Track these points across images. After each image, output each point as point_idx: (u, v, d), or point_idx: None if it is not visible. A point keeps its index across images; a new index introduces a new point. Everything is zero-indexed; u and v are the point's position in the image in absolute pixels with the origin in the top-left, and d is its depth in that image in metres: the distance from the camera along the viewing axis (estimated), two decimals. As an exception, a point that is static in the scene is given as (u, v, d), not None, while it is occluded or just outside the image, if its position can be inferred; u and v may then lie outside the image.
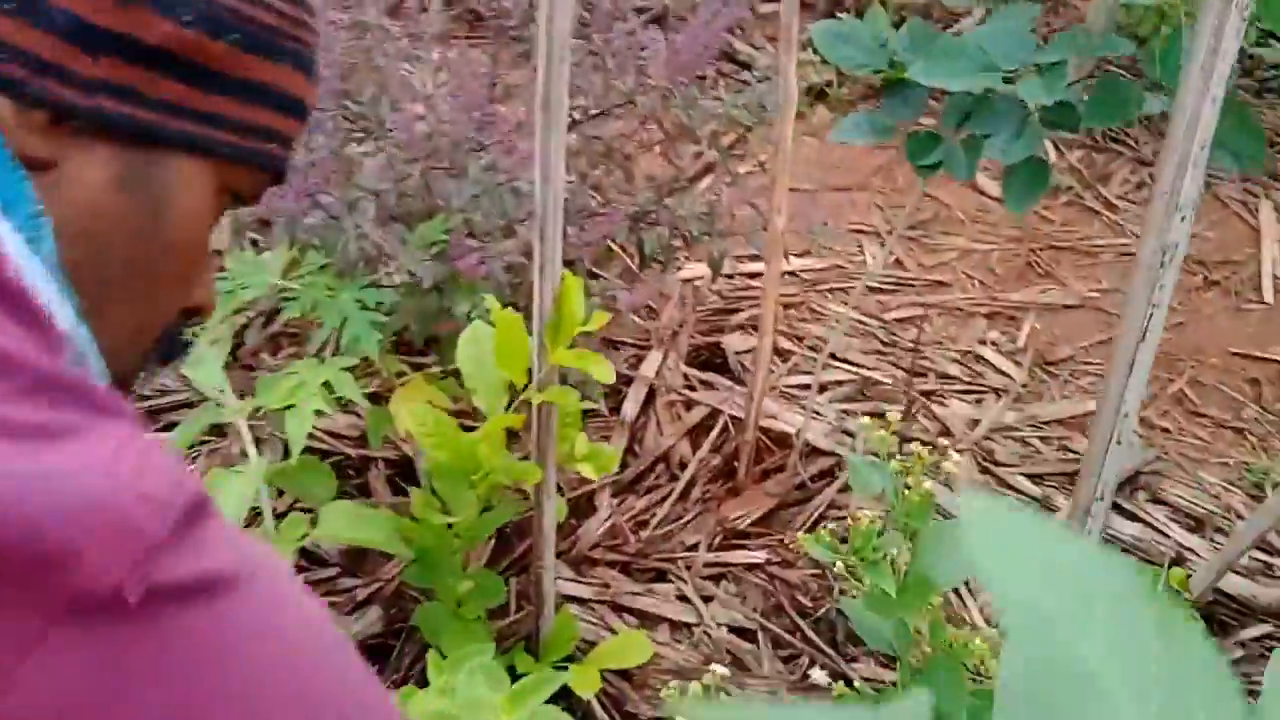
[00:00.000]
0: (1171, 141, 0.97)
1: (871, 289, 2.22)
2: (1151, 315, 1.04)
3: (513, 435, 1.36)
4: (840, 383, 1.92)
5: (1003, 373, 2.04)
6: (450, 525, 1.24)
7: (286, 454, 1.34)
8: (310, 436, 1.34)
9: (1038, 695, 0.31)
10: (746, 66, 2.67)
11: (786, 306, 2.09)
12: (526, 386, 1.20)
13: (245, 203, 0.55)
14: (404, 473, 1.62)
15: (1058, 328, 2.21)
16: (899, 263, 2.33)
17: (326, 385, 1.27)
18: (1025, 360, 2.08)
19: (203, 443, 1.58)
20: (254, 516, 1.28)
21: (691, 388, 1.83)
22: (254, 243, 1.50)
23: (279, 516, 1.30)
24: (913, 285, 2.28)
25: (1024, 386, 2.02)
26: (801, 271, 2.23)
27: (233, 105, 0.50)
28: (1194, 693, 0.30)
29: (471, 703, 0.91)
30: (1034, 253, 2.41)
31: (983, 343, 2.13)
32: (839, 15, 2.87)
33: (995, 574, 0.32)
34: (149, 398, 1.66)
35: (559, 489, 1.34)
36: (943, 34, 1.31)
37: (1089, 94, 1.18)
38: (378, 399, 1.48)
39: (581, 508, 1.63)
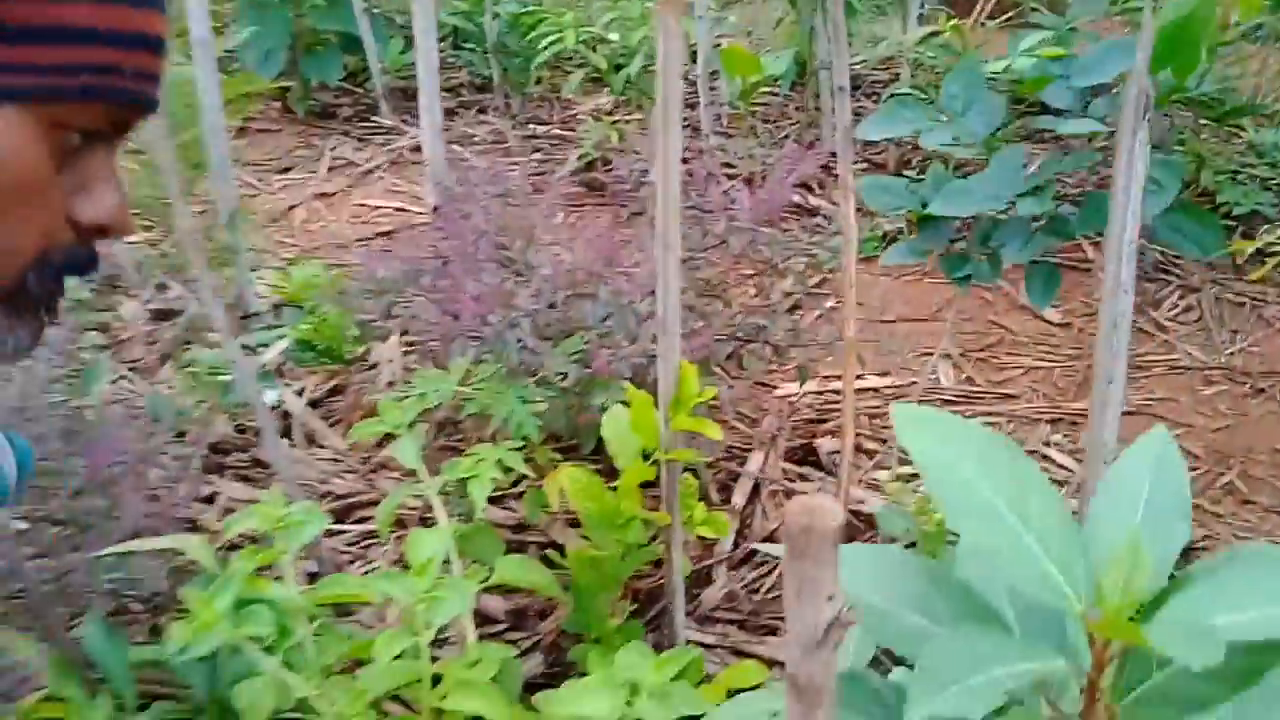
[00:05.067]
0: (1110, 240, 1.30)
1: (945, 401, 2.51)
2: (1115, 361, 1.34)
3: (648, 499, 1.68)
4: (917, 475, 2.20)
5: (1064, 467, 2.28)
6: (599, 563, 1.55)
7: (467, 522, 1.69)
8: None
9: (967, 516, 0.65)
10: (817, 214, 3.09)
11: (871, 416, 2.40)
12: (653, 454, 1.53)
13: (105, 135, 0.57)
14: (555, 548, 1.94)
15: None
16: (969, 379, 2.63)
17: (499, 462, 1.62)
18: (1085, 457, 2.32)
19: (406, 510, 1.95)
20: (444, 566, 1.61)
21: (790, 480, 2.13)
22: (433, 359, 1.90)
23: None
24: (983, 398, 2.56)
25: (1083, 481, 2.26)
26: (883, 388, 2.54)
27: (30, 51, 0.50)
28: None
29: (628, 665, 1.21)
30: (1091, 369, 2.67)
31: (1046, 444, 2.38)
32: (905, 173, 3.30)
33: (922, 450, 0.67)
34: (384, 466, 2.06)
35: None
36: (955, 178, 1.69)
37: (1080, 207, 1.52)
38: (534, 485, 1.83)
39: (701, 579, 1.92)
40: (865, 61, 4.19)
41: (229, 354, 1.84)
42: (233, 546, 1.83)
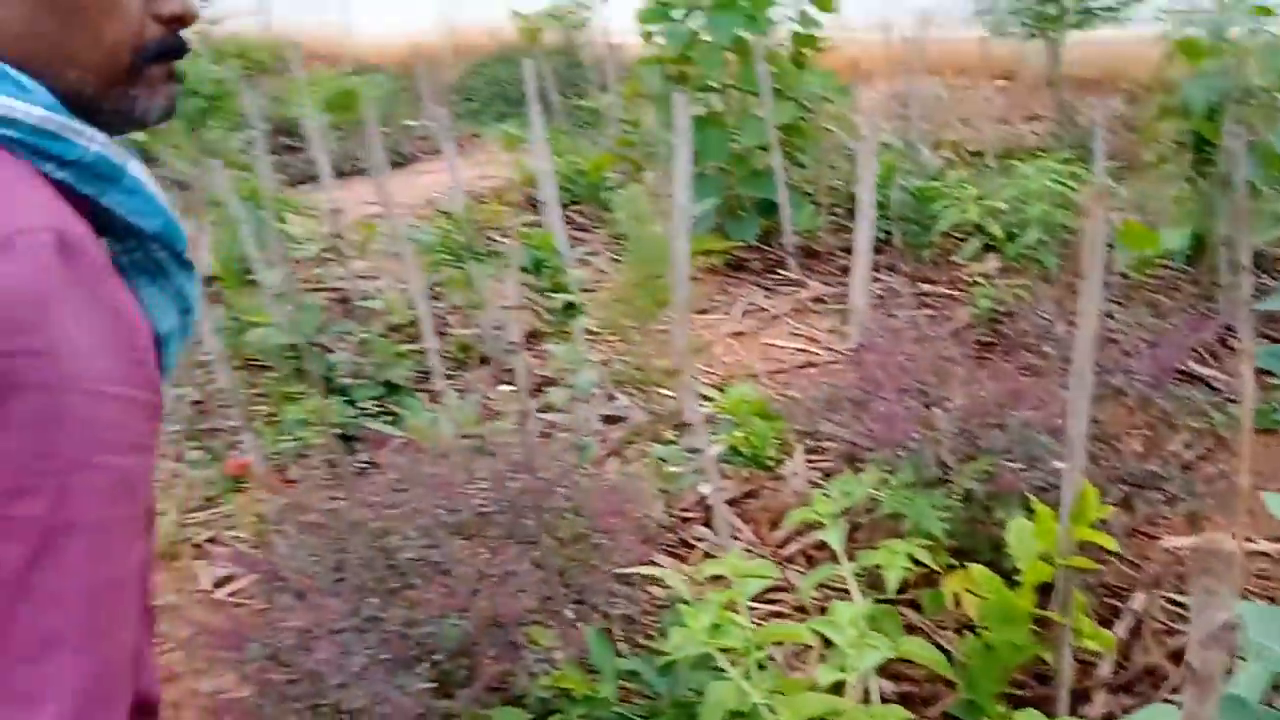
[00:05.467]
0: None
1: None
2: None
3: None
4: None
5: None
6: (993, 652, 1.82)
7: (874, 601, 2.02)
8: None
9: None
10: (1207, 383, 3.17)
11: (1259, 577, 2.44)
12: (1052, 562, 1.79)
13: None
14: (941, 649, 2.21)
15: None
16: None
17: (910, 554, 1.96)
18: None
19: (816, 595, 2.31)
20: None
21: (1173, 620, 2.25)
22: (855, 465, 2.28)
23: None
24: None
25: None
26: (1276, 554, 2.57)
27: None
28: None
29: None
30: None
31: None
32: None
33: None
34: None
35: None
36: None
37: None
38: (932, 583, 2.13)
39: (1079, 697, 2.09)
40: (1267, 240, 4.18)
41: (674, 451, 2.35)
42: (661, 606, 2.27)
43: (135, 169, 0.75)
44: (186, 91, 4.47)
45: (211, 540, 3.12)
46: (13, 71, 0.69)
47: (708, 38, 4.59)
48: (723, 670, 1.75)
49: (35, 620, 0.63)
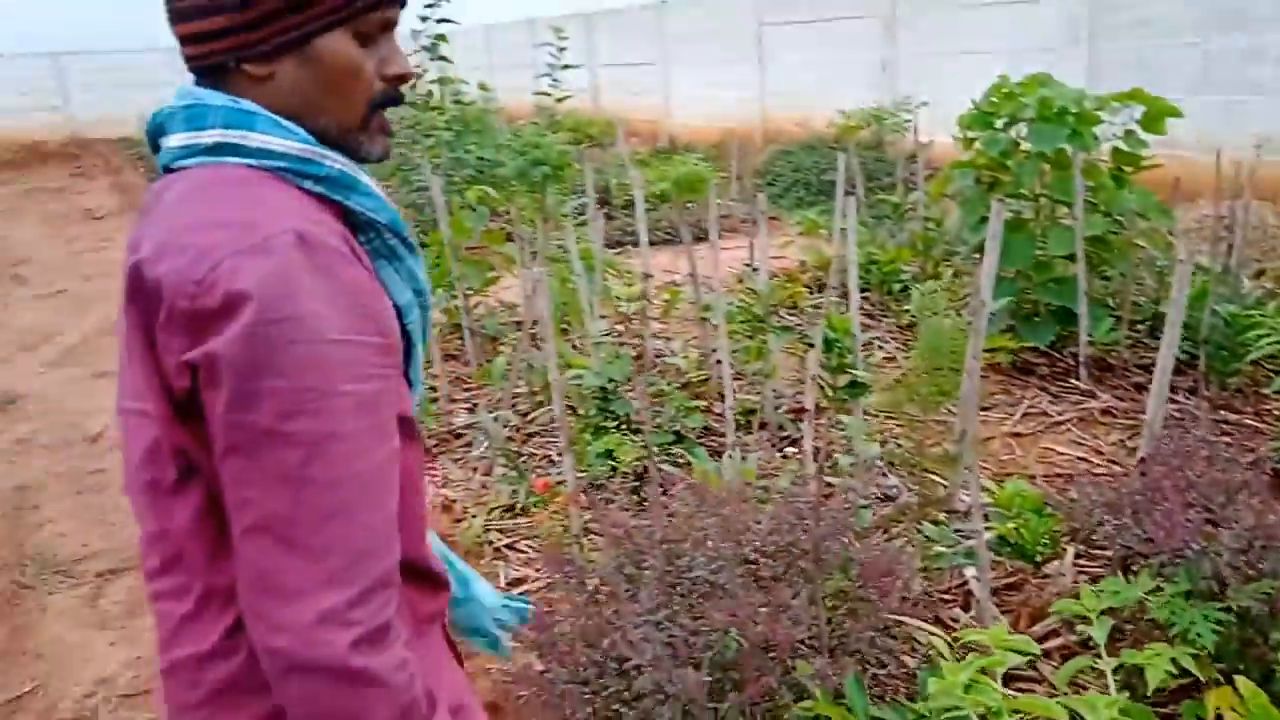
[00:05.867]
0: None
1: None
2: None
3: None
4: None
5: None
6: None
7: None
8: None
9: None
10: None
11: None
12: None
13: (383, 29, 1.03)
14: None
15: None
16: None
17: (1174, 660, 2.00)
18: None
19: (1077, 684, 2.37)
20: None
21: None
22: (1128, 573, 2.33)
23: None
24: None
25: None
26: None
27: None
28: None
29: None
30: None
31: None
32: None
33: None
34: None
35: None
36: None
37: None
38: (1192, 696, 2.15)
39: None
40: None
41: (942, 532, 2.48)
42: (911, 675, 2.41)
43: (367, 180, 1.03)
44: (534, 161, 5.10)
45: (510, 546, 3.57)
46: (277, 118, 0.98)
47: (1027, 147, 4.71)
48: (971, 732, 1.88)
49: (315, 500, 0.87)
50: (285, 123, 0.98)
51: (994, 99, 4.91)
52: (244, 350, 0.86)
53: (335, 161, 1.00)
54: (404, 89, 1.09)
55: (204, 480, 0.95)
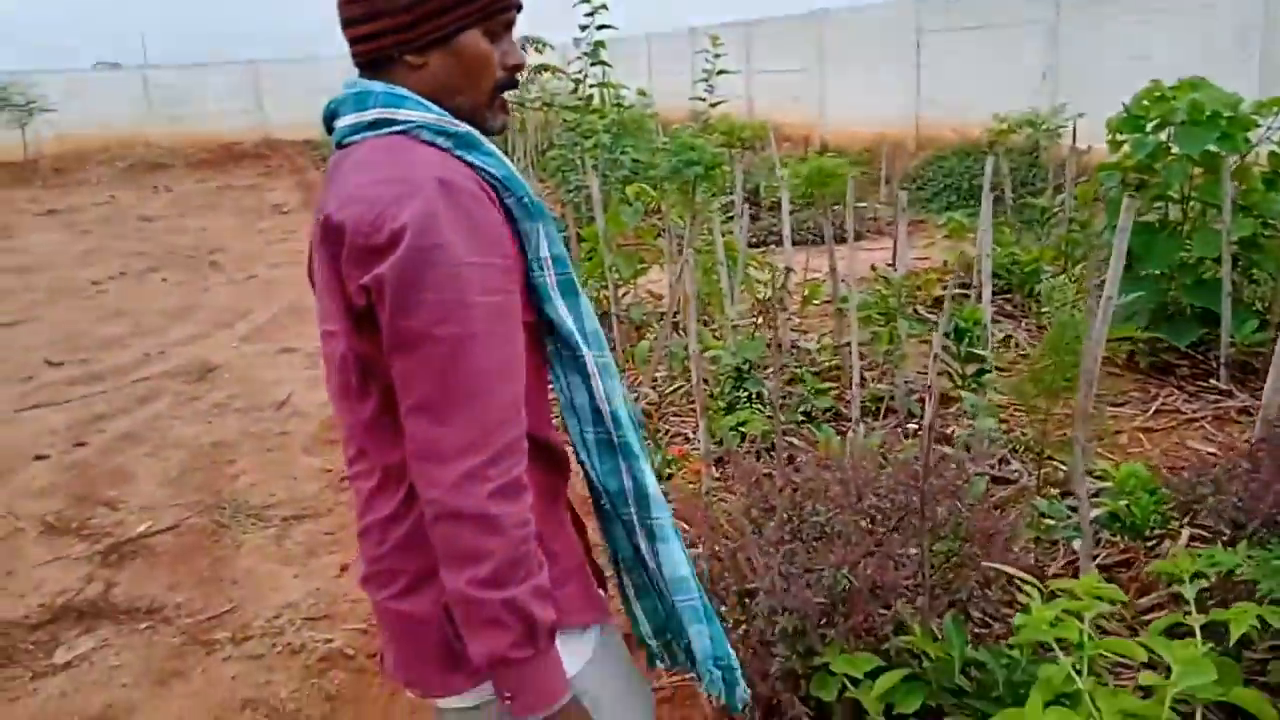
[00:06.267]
0: None
1: None
2: None
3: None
4: None
5: None
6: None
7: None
8: None
9: None
10: None
11: None
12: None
13: (505, 27, 1.28)
14: None
15: None
16: None
17: (1260, 616, 2.13)
18: None
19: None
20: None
21: None
22: (1224, 544, 2.45)
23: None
24: None
25: None
26: None
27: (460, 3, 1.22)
28: None
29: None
30: None
31: None
32: None
33: None
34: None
35: None
36: None
37: None
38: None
39: None
40: None
41: (1055, 507, 2.63)
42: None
43: (488, 143, 1.26)
44: (688, 161, 5.42)
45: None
46: (421, 99, 1.24)
47: (1176, 149, 4.72)
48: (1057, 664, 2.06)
49: (458, 385, 1.11)
50: (426, 101, 1.24)
51: (1145, 102, 4.92)
52: (403, 272, 1.10)
53: (461, 126, 1.24)
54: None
55: (380, 383, 1.20)
